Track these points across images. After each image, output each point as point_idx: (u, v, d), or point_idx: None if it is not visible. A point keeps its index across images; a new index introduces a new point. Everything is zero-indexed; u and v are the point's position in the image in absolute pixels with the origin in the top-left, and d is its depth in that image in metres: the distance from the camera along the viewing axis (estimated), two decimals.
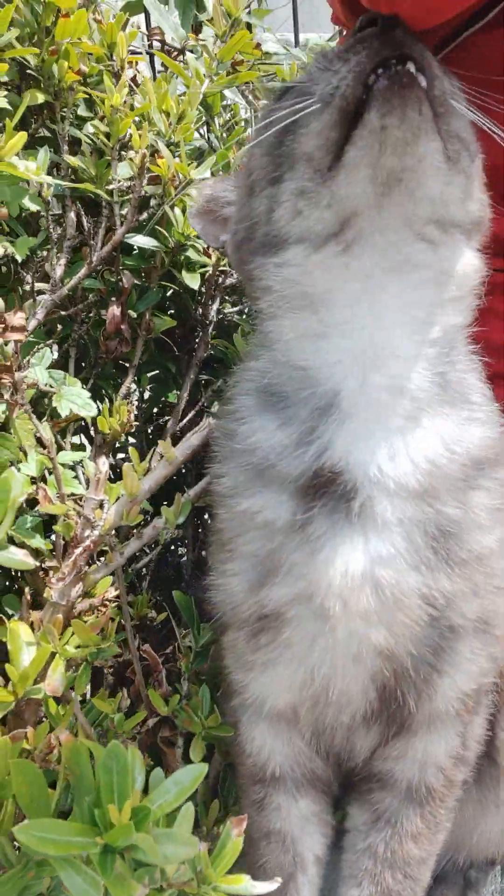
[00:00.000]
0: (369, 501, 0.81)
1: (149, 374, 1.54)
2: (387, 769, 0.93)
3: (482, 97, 1.13)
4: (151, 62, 1.89)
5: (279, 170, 0.79)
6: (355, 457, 0.81)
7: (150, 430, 1.53)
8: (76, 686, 0.89)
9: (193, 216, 1.00)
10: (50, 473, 0.93)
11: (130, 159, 1.18)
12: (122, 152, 1.19)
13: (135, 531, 0.94)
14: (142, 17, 1.98)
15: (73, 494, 0.93)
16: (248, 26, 1.57)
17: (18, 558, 0.69)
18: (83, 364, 1.37)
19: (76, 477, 1.00)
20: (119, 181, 1.16)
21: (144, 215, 1.19)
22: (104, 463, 0.87)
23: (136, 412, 1.21)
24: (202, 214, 1.00)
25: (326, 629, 0.82)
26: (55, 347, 1.30)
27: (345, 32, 1.38)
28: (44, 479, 1.00)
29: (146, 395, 1.55)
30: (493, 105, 1.17)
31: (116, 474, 1.50)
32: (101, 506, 0.88)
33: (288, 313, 0.83)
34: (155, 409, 1.60)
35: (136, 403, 1.54)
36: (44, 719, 0.93)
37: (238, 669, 0.90)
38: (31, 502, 0.98)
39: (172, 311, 1.50)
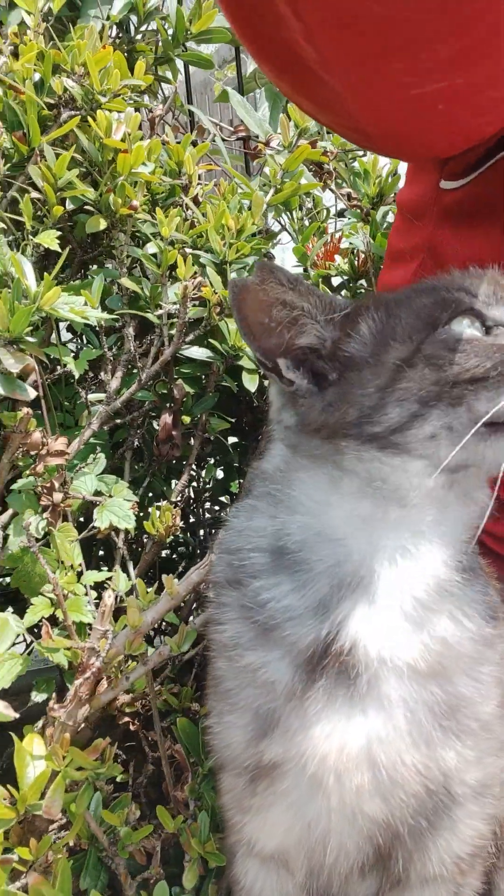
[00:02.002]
0: (375, 681, 0.79)
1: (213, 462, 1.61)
2: None
3: None
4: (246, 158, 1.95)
5: (437, 397, 0.79)
6: (370, 638, 0.80)
7: (207, 519, 1.59)
8: (77, 805, 0.95)
9: (247, 326, 0.83)
10: (66, 597, 1.00)
11: (179, 279, 1.25)
12: (173, 274, 1.26)
13: (139, 657, 0.99)
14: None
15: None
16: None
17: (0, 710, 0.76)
18: (140, 464, 1.45)
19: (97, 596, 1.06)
20: (167, 305, 1.23)
21: (191, 336, 1.25)
22: (110, 595, 0.93)
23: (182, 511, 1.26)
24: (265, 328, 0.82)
25: (320, 795, 0.82)
26: (111, 450, 1.39)
27: None
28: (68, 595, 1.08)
29: (209, 484, 1.61)
30: None
31: (161, 570, 1.57)
32: (105, 635, 0.94)
33: (357, 498, 0.82)
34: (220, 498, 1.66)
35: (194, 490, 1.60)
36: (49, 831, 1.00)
37: (235, 811, 0.92)
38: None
39: (241, 397, 1.56)
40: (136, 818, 1.04)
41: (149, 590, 1.04)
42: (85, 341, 1.47)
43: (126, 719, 1.28)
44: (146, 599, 0.97)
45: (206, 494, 1.62)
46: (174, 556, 1.69)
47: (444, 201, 1.21)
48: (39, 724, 1.10)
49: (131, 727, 1.34)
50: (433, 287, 0.84)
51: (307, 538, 0.83)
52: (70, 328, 1.49)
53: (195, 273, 1.22)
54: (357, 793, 0.80)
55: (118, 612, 1.05)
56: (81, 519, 1.37)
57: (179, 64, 1.69)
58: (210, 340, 1.33)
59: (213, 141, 1.65)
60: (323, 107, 0.97)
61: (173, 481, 1.54)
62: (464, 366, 0.77)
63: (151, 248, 1.30)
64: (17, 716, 0.79)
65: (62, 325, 1.49)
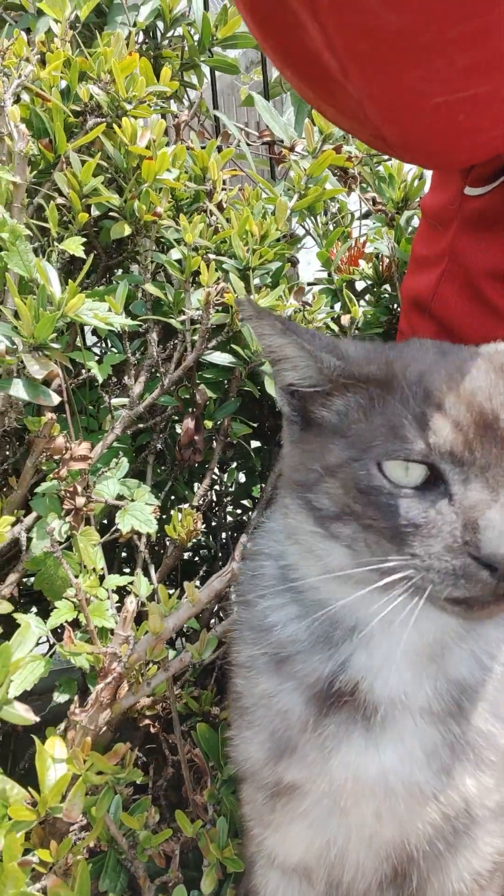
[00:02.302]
0: (390, 720, 0.79)
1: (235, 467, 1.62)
2: None
3: None
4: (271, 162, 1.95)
5: (350, 514, 0.73)
6: (377, 677, 0.79)
7: (229, 523, 1.59)
8: (97, 809, 0.95)
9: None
10: (89, 603, 1.01)
11: (202, 285, 1.25)
12: (197, 280, 1.26)
13: (160, 663, 1.00)
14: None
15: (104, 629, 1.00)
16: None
17: (19, 714, 0.76)
18: (162, 468, 1.45)
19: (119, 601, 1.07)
20: (190, 311, 1.23)
21: (214, 342, 1.25)
22: (132, 601, 0.94)
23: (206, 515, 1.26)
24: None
25: (338, 818, 0.83)
26: (134, 454, 1.40)
27: None
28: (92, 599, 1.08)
29: (231, 487, 1.62)
30: None
31: (183, 573, 1.58)
32: (127, 640, 0.95)
33: (313, 560, 0.79)
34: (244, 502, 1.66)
35: (214, 496, 1.61)
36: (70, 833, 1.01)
37: (256, 824, 0.92)
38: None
39: (263, 402, 1.56)
40: (155, 822, 1.04)
41: (171, 592, 1.05)
42: (109, 345, 1.48)
43: (146, 722, 1.29)
44: (168, 605, 0.98)
45: (228, 498, 1.63)
46: (196, 558, 1.69)
47: (468, 207, 1.21)
48: (62, 726, 1.11)
49: (152, 730, 1.35)
50: (413, 395, 0.72)
51: (297, 574, 0.83)
52: (94, 332, 1.50)
53: (218, 279, 1.22)
54: (373, 819, 0.81)
55: (139, 617, 1.06)
56: (104, 522, 1.38)
57: (205, 69, 1.70)
58: (232, 346, 1.33)
59: (238, 146, 1.65)
60: (346, 114, 0.97)
61: (195, 485, 1.55)
62: (361, 511, 0.71)
63: (175, 253, 1.30)
64: (38, 719, 0.80)
65: (87, 329, 1.51)
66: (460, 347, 0.83)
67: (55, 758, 0.94)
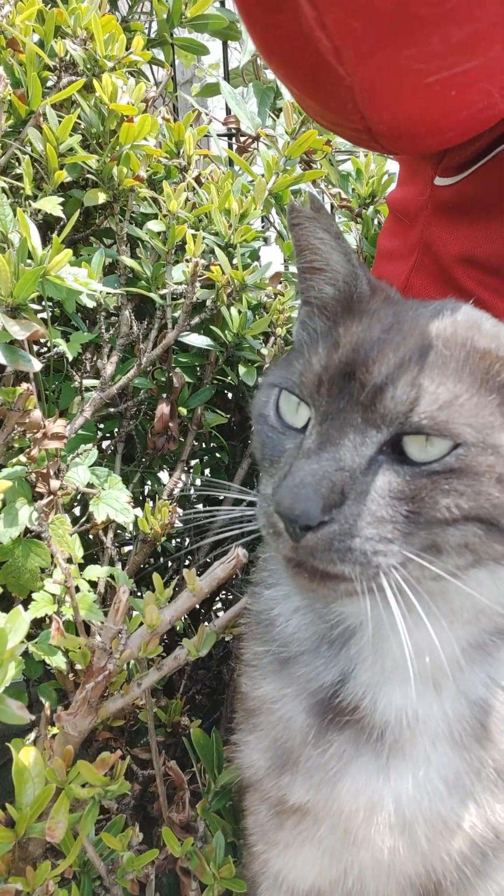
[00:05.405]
0: (404, 743, 0.72)
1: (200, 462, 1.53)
2: None
3: None
4: (230, 144, 1.90)
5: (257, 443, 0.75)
6: (381, 695, 0.71)
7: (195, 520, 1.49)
8: (82, 827, 0.84)
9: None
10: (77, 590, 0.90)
11: (187, 260, 1.17)
12: (178, 255, 1.18)
13: (154, 660, 0.90)
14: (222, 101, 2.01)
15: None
16: None
17: (13, 712, 0.65)
18: (133, 456, 1.35)
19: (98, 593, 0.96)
20: (172, 285, 1.15)
21: (197, 319, 1.17)
22: (125, 591, 0.84)
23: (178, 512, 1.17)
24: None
25: (353, 849, 0.74)
26: (102, 441, 1.29)
27: None
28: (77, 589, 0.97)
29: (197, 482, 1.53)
30: None
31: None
32: (118, 635, 0.85)
33: None
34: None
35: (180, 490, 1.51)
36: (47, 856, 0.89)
37: (260, 839, 0.83)
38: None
39: (230, 398, 1.48)
40: (139, 841, 0.93)
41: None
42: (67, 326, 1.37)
43: (107, 735, 1.18)
44: (163, 596, 0.88)
45: (194, 494, 1.53)
46: (152, 559, 1.59)
47: (438, 198, 1.18)
48: (31, 736, 0.99)
49: (112, 743, 1.24)
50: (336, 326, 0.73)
51: None
52: (57, 314, 1.39)
53: (203, 252, 1.14)
54: (391, 853, 0.73)
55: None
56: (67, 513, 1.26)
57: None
58: (211, 327, 1.25)
59: (210, 124, 1.58)
60: (331, 106, 0.92)
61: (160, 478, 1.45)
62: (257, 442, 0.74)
63: (153, 226, 1.21)
64: (33, 717, 0.68)
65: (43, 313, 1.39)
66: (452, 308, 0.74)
67: (30, 769, 0.83)
